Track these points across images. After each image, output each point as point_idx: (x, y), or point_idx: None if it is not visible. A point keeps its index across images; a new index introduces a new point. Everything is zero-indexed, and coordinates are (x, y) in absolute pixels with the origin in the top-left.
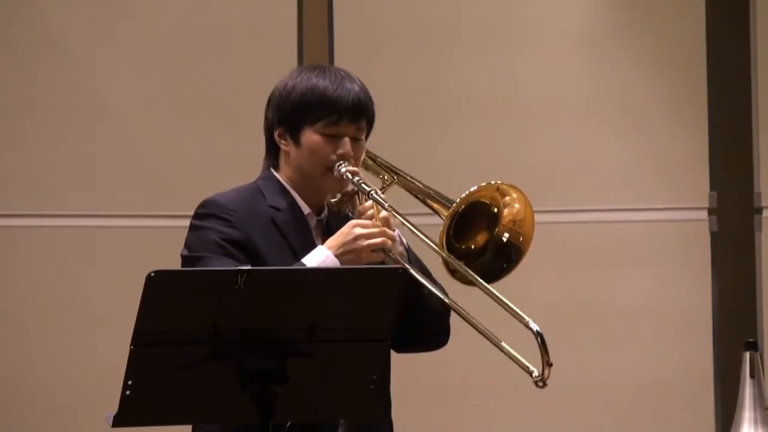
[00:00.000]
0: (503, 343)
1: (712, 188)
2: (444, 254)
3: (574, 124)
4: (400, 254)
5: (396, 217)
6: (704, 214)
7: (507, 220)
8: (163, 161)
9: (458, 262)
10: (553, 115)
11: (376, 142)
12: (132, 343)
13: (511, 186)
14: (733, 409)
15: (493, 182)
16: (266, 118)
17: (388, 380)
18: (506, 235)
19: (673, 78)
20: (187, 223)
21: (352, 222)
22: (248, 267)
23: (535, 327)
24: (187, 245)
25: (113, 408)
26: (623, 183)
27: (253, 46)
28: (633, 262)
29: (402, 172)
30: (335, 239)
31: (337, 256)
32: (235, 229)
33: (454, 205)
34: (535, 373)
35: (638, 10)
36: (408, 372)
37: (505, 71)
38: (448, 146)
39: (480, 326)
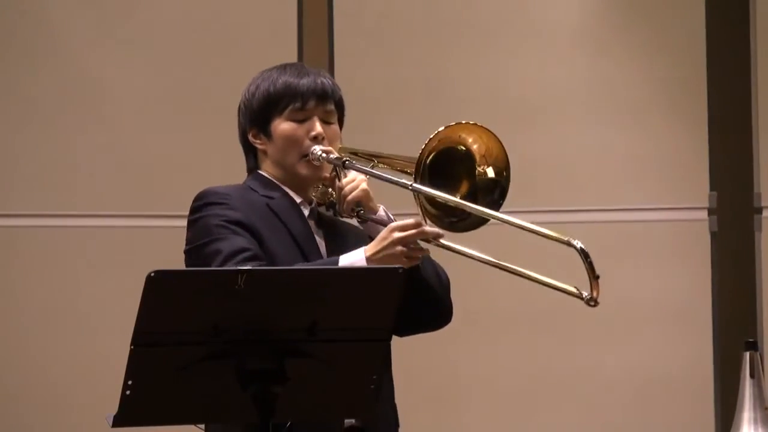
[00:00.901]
0: (543, 277)
1: (712, 188)
2: (446, 197)
3: (574, 124)
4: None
5: (378, 178)
6: (704, 214)
7: (479, 156)
8: (164, 161)
9: (462, 201)
10: (552, 115)
11: (376, 139)
12: (132, 343)
13: (464, 125)
14: (733, 409)
15: (448, 125)
16: (239, 125)
17: (389, 366)
18: (489, 171)
19: (673, 77)
20: (186, 223)
21: (392, 225)
22: (248, 267)
23: (579, 244)
24: (188, 240)
25: (113, 408)
26: (623, 183)
27: (254, 47)
28: (633, 262)
29: (382, 154)
30: (376, 245)
31: (376, 261)
32: (235, 211)
33: (421, 150)
34: (585, 294)
35: (638, 9)
36: (411, 358)
37: (505, 70)
38: None
39: (512, 267)
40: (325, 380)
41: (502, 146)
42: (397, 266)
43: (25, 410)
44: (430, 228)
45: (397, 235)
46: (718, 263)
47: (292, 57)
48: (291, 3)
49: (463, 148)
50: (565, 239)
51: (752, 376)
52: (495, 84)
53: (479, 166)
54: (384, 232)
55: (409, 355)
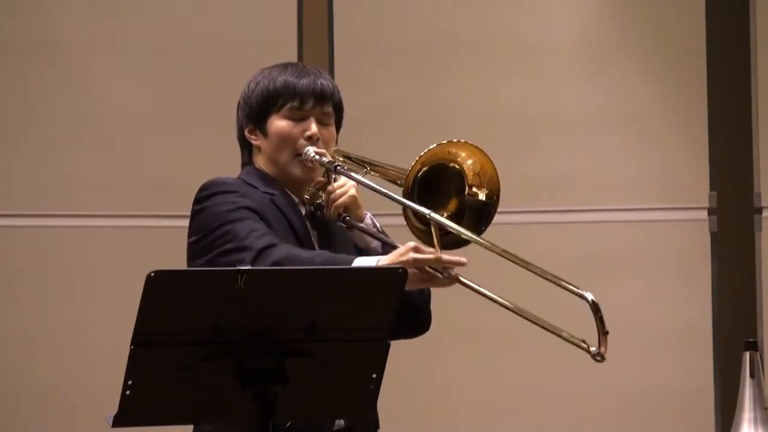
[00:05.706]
0: (554, 328)
1: (712, 188)
2: (439, 219)
3: (575, 125)
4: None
5: (367, 187)
6: (704, 214)
7: (472, 175)
8: (163, 162)
9: (461, 229)
10: (553, 116)
11: (375, 148)
12: (132, 343)
13: (458, 142)
14: (733, 408)
15: (440, 143)
16: (237, 120)
17: None
18: (480, 193)
19: (673, 79)
20: (187, 223)
21: (411, 244)
22: (248, 267)
23: (590, 297)
24: (196, 229)
25: (113, 408)
26: (623, 183)
27: (253, 53)
28: (633, 262)
29: (375, 161)
30: (391, 259)
31: None
32: (245, 198)
33: (411, 167)
34: (593, 349)
35: (638, 10)
36: (394, 369)
37: (505, 80)
38: None
39: (527, 313)
40: (325, 380)
41: (495, 169)
42: (398, 266)
43: (24, 410)
44: (447, 257)
45: (413, 255)
46: (718, 263)
47: None
48: (291, 11)
49: (456, 166)
50: (579, 291)
51: (752, 376)
52: (495, 96)
53: (471, 186)
54: (402, 248)
55: (393, 361)
